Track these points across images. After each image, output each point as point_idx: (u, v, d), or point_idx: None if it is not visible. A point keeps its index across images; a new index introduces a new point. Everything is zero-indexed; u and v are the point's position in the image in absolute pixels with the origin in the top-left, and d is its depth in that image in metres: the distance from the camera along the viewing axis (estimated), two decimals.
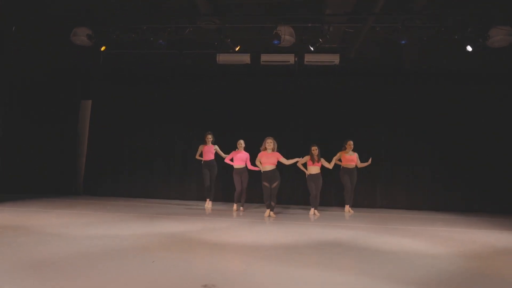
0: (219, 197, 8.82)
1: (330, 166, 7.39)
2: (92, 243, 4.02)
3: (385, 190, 8.86)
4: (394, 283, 2.93)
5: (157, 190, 9.42)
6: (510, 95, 8.61)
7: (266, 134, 6.91)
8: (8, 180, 8.65)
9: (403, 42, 7.22)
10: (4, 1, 6.80)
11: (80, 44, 7.46)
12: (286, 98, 9.29)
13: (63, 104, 9.88)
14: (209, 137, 7.80)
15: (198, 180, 8.56)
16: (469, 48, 7.11)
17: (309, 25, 7.09)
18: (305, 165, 7.22)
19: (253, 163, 7.26)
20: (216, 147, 7.86)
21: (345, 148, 7.78)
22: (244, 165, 7.48)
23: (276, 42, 7.00)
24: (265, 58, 8.12)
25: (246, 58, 8.09)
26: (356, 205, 8.29)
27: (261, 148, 6.82)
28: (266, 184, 6.73)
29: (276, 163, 6.77)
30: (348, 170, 7.77)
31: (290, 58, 8.06)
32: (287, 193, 8.75)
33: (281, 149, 6.98)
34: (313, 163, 7.10)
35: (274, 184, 6.71)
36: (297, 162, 7.01)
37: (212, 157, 7.80)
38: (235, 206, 7.57)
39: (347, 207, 7.80)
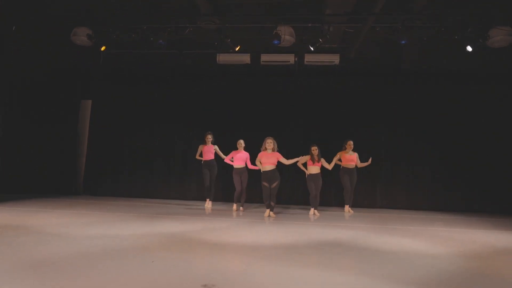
0: (219, 197, 8.82)
1: (329, 167, 7.38)
2: (92, 243, 4.02)
3: (385, 190, 8.86)
4: (394, 283, 2.94)
5: (157, 190, 9.42)
6: (510, 95, 8.60)
7: (266, 134, 6.91)
8: (8, 180, 8.66)
9: (403, 42, 7.21)
10: (4, 1, 6.80)
11: (80, 44, 7.46)
12: (286, 98, 9.29)
13: (63, 104, 9.88)
14: (209, 137, 7.80)
15: (198, 180, 8.56)
16: (469, 48, 7.11)
17: (309, 25, 7.09)
18: (305, 165, 7.22)
19: (253, 163, 7.26)
20: (216, 147, 7.85)
21: (345, 148, 7.78)
22: (244, 165, 7.48)
23: (276, 42, 7.00)
24: (265, 58, 8.12)
25: (246, 58, 8.09)
26: (356, 205, 8.29)
27: (261, 148, 6.83)
28: (265, 184, 6.73)
29: (276, 163, 6.78)
30: (348, 170, 7.77)
31: (290, 58, 8.06)
32: (287, 193, 8.74)
33: (281, 149, 6.98)
34: (313, 163, 7.10)
35: (274, 184, 6.71)
36: (297, 162, 7.02)
37: (212, 157, 7.80)
38: (234, 206, 7.57)
39: (347, 207, 7.80)
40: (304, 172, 7.29)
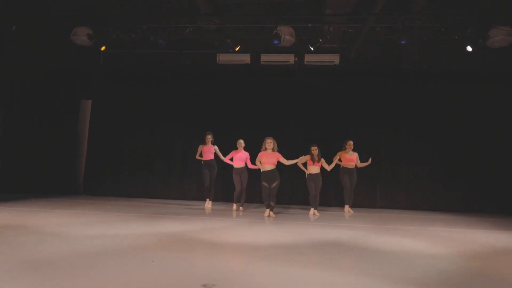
0: (219, 197, 8.82)
1: (328, 168, 7.35)
2: (92, 243, 4.02)
3: (385, 190, 8.86)
4: (394, 283, 2.94)
5: (157, 190, 9.42)
6: (510, 95, 8.61)
7: (266, 134, 6.91)
8: (8, 180, 8.66)
9: (403, 42, 7.22)
10: (4, 1, 6.80)
11: (80, 44, 7.46)
12: (286, 98, 9.29)
13: (63, 104, 9.88)
14: (209, 137, 7.80)
15: (198, 180, 8.56)
16: (469, 49, 7.12)
17: (309, 25, 7.10)
18: (305, 164, 7.22)
19: (253, 163, 7.26)
20: (216, 147, 7.85)
21: (345, 148, 7.78)
22: (244, 165, 7.49)
23: (276, 42, 7.00)
24: (265, 58, 8.12)
25: (246, 58, 8.09)
26: (356, 205, 8.29)
27: (261, 148, 6.83)
28: (265, 184, 6.73)
29: (276, 163, 6.78)
30: (348, 170, 7.77)
31: (290, 58, 8.06)
32: (287, 193, 8.74)
33: (281, 149, 6.98)
34: (313, 163, 7.10)
35: (274, 184, 6.71)
36: (297, 163, 7.01)
37: (211, 157, 7.80)
38: (234, 206, 7.57)
39: (346, 207, 7.80)
40: (304, 172, 7.29)
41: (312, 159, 7.09)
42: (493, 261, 3.85)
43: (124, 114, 9.78)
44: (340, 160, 7.82)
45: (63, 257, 3.38)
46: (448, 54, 7.86)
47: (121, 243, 4.09)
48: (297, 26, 7.12)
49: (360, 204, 8.60)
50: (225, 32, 7.32)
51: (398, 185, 8.83)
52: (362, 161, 7.81)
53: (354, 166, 7.80)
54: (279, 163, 6.82)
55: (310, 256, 3.88)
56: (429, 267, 3.48)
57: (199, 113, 9.41)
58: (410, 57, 8.46)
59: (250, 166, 7.48)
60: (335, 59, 7.97)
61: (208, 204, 7.85)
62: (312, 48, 7.42)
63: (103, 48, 7.84)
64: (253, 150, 7.24)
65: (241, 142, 7.60)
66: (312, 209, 7.23)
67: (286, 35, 6.96)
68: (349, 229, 5.68)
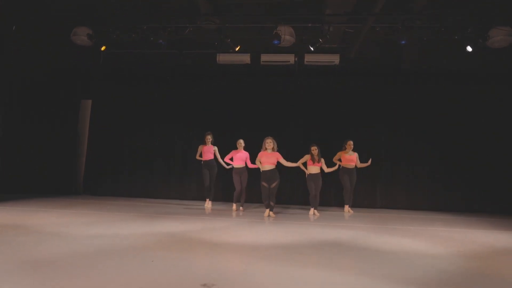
0: (219, 197, 8.82)
1: (326, 170, 7.30)
2: (92, 243, 4.02)
3: (385, 190, 8.86)
4: (394, 283, 2.94)
5: (157, 190, 9.42)
6: (510, 95, 8.60)
7: (266, 134, 6.91)
8: (8, 180, 8.66)
9: (403, 42, 7.22)
10: (4, 1, 6.80)
11: (80, 44, 7.46)
12: (286, 98, 9.29)
13: (63, 104, 9.88)
14: (209, 138, 7.81)
15: (198, 180, 8.56)
16: (469, 49, 7.12)
17: (309, 25, 7.09)
18: (305, 164, 7.22)
19: (253, 163, 7.26)
20: (216, 148, 7.85)
21: (345, 148, 7.78)
22: (244, 165, 7.49)
23: (276, 42, 7.00)
24: (265, 58, 8.12)
25: (246, 58, 8.09)
26: (356, 205, 8.29)
27: (262, 148, 6.83)
28: (264, 184, 6.73)
29: (276, 163, 6.78)
30: (347, 170, 7.77)
31: (290, 58, 8.06)
32: (287, 193, 8.74)
33: (281, 149, 6.99)
34: (313, 163, 7.10)
35: (273, 184, 6.71)
36: (296, 164, 6.97)
37: (211, 157, 7.80)
38: (234, 206, 7.57)
39: (346, 207, 7.80)
40: (304, 172, 7.29)
41: (312, 159, 7.09)
42: (493, 261, 3.85)
43: (124, 114, 9.78)
44: (340, 160, 7.83)
45: (63, 257, 3.38)
46: (448, 54, 7.86)
47: (121, 243, 4.10)
48: (297, 26, 7.12)
49: (360, 204, 8.60)
50: (225, 32, 7.32)
51: (398, 185, 8.82)
52: (362, 161, 7.81)
53: (354, 166, 7.80)
54: (279, 163, 6.82)
55: (310, 256, 3.88)
56: (429, 267, 3.48)
57: (199, 113, 9.41)
58: (410, 57, 8.46)
59: (250, 165, 7.49)
60: (335, 59, 7.97)
61: (208, 204, 7.85)
62: (312, 48, 7.42)
63: (103, 48, 7.84)
64: (253, 150, 7.24)
65: (241, 142, 7.60)
66: (312, 209, 7.23)
67: (286, 35, 6.96)
68: (349, 229, 5.68)
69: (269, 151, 6.73)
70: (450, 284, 3.02)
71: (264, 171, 6.74)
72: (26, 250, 3.64)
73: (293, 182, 8.75)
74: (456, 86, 8.86)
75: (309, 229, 5.63)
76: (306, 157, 7.15)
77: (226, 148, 7.86)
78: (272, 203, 6.75)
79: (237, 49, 7.81)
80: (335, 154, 7.85)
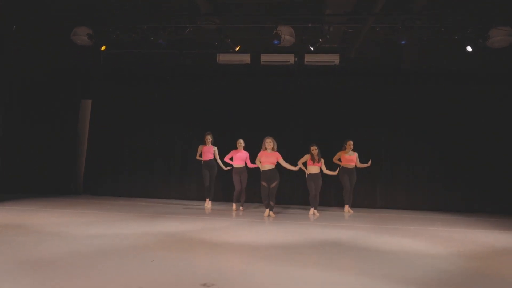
0: (219, 197, 8.82)
1: (325, 171, 7.27)
2: (92, 243, 4.02)
3: (385, 190, 8.85)
4: (394, 283, 2.94)
5: (157, 190, 9.41)
6: (510, 95, 8.60)
7: (266, 134, 6.91)
8: (8, 180, 8.66)
9: (403, 42, 7.22)
10: (4, 1, 6.80)
11: (80, 44, 7.46)
12: (286, 98, 9.28)
13: (63, 104, 9.87)
14: (208, 138, 7.81)
15: (198, 180, 8.56)
16: (469, 49, 7.12)
17: (309, 25, 7.09)
18: (305, 164, 7.23)
19: (253, 163, 7.26)
20: (215, 149, 7.85)
21: (345, 148, 7.78)
22: (244, 165, 7.48)
23: (276, 42, 7.00)
24: (265, 58, 8.12)
25: (246, 58, 8.09)
26: (356, 205, 8.28)
27: (261, 148, 6.83)
28: (264, 183, 6.73)
29: (276, 163, 6.78)
30: (347, 170, 7.77)
31: (290, 58, 8.05)
32: (287, 193, 8.74)
33: (281, 149, 6.98)
34: (313, 163, 7.10)
35: (273, 184, 6.70)
36: (293, 166, 6.93)
37: (211, 157, 7.81)
38: (234, 206, 7.57)
39: (346, 207, 7.79)
40: (304, 172, 7.29)
41: (312, 159, 7.09)
42: (493, 261, 3.85)
43: (124, 114, 9.77)
44: (340, 160, 7.83)
45: (63, 257, 3.39)
46: (448, 54, 7.85)
47: (121, 242, 4.10)
48: (297, 26, 7.12)
49: (360, 204, 8.59)
50: (225, 32, 7.32)
51: (398, 185, 8.82)
52: (362, 161, 7.81)
53: (353, 166, 7.80)
54: (278, 163, 6.82)
55: (310, 256, 3.88)
56: (429, 267, 3.48)
57: (199, 113, 9.40)
58: (410, 57, 8.46)
59: (250, 165, 7.48)
60: (335, 59, 7.97)
61: (208, 204, 7.85)
62: (312, 48, 7.41)
63: (103, 48, 7.84)
64: (253, 150, 7.24)
65: (241, 142, 7.59)
66: (312, 209, 7.23)
67: (286, 35, 6.96)
68: (349, 229, 5.68)
69: (269, 150, 6.74)
70: (450, 284, 3.02)
71: (264, 171, 6.74)
72: (26, 250, 3.64)
73: (293, 182, 8.74)
74: (456, 86, 8.85)
75: (309, 229, 5.63)
76: (306, 157, 7.15)
77: (226, 148, 7.85)
78: (272, 203, 6.75)
79: (237, 49, 7.81)
80: (335, 154, 7.85)
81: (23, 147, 9.14)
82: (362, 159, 7.83)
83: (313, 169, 7.12)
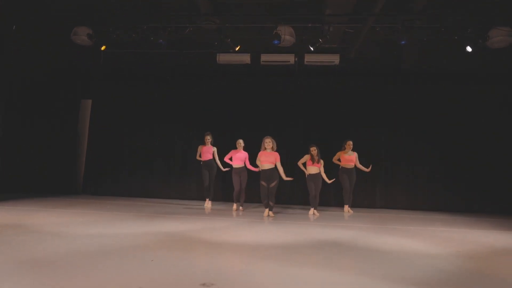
0: (219, 196, 8.83)
1: (323, 173, 7.25)
2: (92, 242, 4.02)
3: (385, 190, 8.85)
4: (394, 283, 2.94)
5: (157, 190, 9.42)
6: (510, 95, 8.61)
7: (266, 134, 6.90)
8: (8, 180, 8.66)
9: (403, 42, 7.22)
10: (4, 1, 6.80)
11: (80, 44, 7.46)
12: (286, 98, 9.29)
13: (63, 104, 9.88)
14: (208, 138, 7.81)
15: (198, 180, 8.57)
16: (469, 49, 7.12)
17: (309, 25, 7.09)
18: (304, 165, 7.23)
19: (252, 163, 7.26)
20: (214, 149, 7.86)
21: (344, 148, 7.78)
22: (243, 165, 7.48)
23: (276, 42, 7.00)
24: (265, 58, 8.12)
25: (246, 58, 8.09)
26: (355, 205, 8.29)
27: (261, 148, 6.83)
28: (263, 183, 6.73)
29: (275, 163, 6.77)
30: (347, 170, 7.77)
31: (290, 58, 8.06)
32: (287, 193, 8.74)
33: (281, 149, 6.99)
34: (313, 163, 7.10)
35: (273, 184, 6.70)
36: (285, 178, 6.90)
37: (210, 157, 7.81)
38: (235, 206, 7.57)
39: (346, 207, 7.79)
40: (304, 172, 7.29)
41: (312, 160, 7.10)
42: (492, 261, 3.85)
43: (124, 114, 9.78)
44: (339, 160, 7.83)
45: (63, 257, 3.39)
46: (448, 54, 7.86)
47: (121, 242, 4.10)
48: (297, 26, 7.12)
49: (360, 204, 8.60)
50: (225, 32, 7.32)
51: (398, 185, 8.82)
52: (361, 161, 7.81)
53: (353, 166, 7.80)
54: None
55: (309, 256, 3.88)
56: (428, 267, 3.48)
57: (199, 113, 9.41)
58: (410, 57, 8.46)
59: (249, 167, 7.47)
60: (335, 59, 7.97)
61: (207, 204, 7.86)
62: (312, 48, 7.42)
63: (103, 48, 7.84)
64: (253, 150, 7.24)
65: (241, 142, 7.59)
66: (312, 209, 7.23)
67: (286, 35, 6.96)
68: (349, 229, 5.68)
69: (269, 150, 6.73)
70: (450, 284, 3.02)
71: (263, 170, 6.74)
72: (26, 249, 3.64)
73: (293, 182, 8.73)
74: (456, 86, 8.86)
75: (309, 229, 5.63)
76: (306, 157, 7.16)
77: (226, 148, 7.85)
78: (271, 203, 6.75)
79: (237, 49, 7.81)
80: (335, 154, 7.86)
81: (23, 147, 9.15)
82: (362, 159, 7.83)
83: (312, 169, 7.13)
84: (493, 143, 8.52)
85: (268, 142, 6.71)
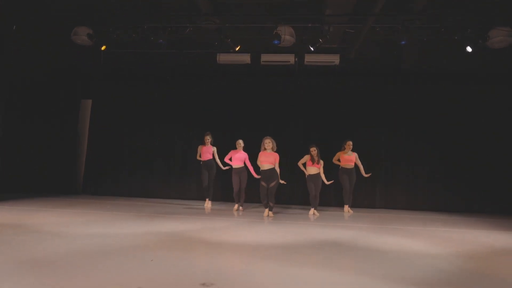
0: (219, 196, 8.82)
1: (322, 174, 7.26)
2: (92, 242, 4.02)
3: (385, 190, 8.85)
4: (394, 283, 2.94)
5: (157, 190, 9.42)
6: (510, 95, 8.60)
7: (266, 134, 6.91)
8: (8, 179, 8.66)
9: (403, 42, 7.22)
10: (4, 1, 6.80)
11: (80, 44, 7.46)
12: (286, 98, 9.29)
13: (63, 104, 9.88)
14: (208, 138, 7.81)
15: (198, 180, 8.56)
16: (469, 49, 7.12)
17: (309, 25, 7.09)
18: (304, 165, 7.23)
19: (253, 163, 7.26)
20: (214, 149, 7.86)
21: (344, 148, 7.78)
22: (243, 165, 7.48)
23: (276, 42, 7.00)
24: (265, 58, 8.11)
25: (246, 58, 8.08)
26: (355, 205, 8.29)
27: (261, 148, 6.83)
28: (263, 183, 6.74)
29: (274, 163, 6.77)
30: (346, 170, 7.77)
31: (290, 58, 8.05)
32: (287, 193, 8.73)
33: (281, 149, 6.98)
34: (313, 163, 7.10)
35: (272, 184, 6.70)
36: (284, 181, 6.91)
37: (210, 157, 7.81)
38: (236, 206, 7.57)
39: (346, 207, 7.80)
40: (304, 172, 7.29)
41: (312, 160, 7.10)
42: (492, 261, 3.86)
43: (124, 114, 9.78)
44: (339, 160, 7.83)
45: (63, 256, 3.39)
46: (448, 54, 7.85)
47: (121, 242, 4.10)
48: (297, 26, 7.12)
49: (360, 204, 8.60)
50: (225, 32, 7.32)
51: (398, 185, 8.82)
52: (361, 162, 7.81)
53: (353, 166, 7.80)
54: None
55: (310, 256, 3.88)
56: (428, 267, 3.48)
57: (199, 113, 9.41)
58: (410, 57, 8.46)
59: (251, 168, 7.46)
60: (335, 59, 7.97)
61: (207, 204, 7.86)
62: (312, 48, 7.42)
63: (103, 48, 7.84)
64: (253, 150, 7.24)
65: (240, 142, 7.59)
66: (312, 209, 7.23)
67: (286, 35, 6.95)
68: (349, 229, 5.68)
69: (268, 150, 6.73)
70: (449, 284, 3.02)
71: (263, 170, 6.74)
72: (26, 249, 3.64)
73: (293, 182, 8.75)
74: (456, 86, 8.86)
75: (309, 229, 5.63)
76: (306, 158, 7.16)
77: (226, 148, 7.85)
78: (271, 204, 6.75)
79: (237, 49, 7.81)
80: (334, 154, 7.86)
81: (23, 147, 9.14)
82: (362, 160, 7.83)
83: (312, 169, 7.13)
84: (493, 143, 8.52)
85: (268, 143, 6.71)
